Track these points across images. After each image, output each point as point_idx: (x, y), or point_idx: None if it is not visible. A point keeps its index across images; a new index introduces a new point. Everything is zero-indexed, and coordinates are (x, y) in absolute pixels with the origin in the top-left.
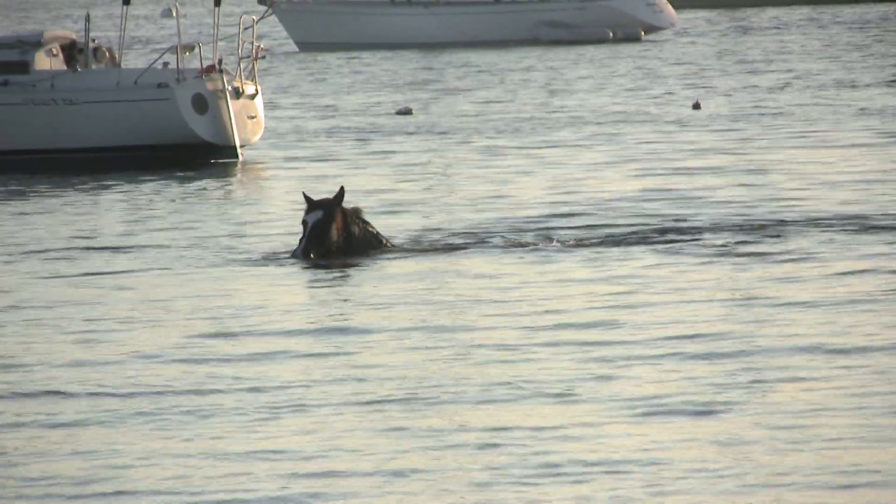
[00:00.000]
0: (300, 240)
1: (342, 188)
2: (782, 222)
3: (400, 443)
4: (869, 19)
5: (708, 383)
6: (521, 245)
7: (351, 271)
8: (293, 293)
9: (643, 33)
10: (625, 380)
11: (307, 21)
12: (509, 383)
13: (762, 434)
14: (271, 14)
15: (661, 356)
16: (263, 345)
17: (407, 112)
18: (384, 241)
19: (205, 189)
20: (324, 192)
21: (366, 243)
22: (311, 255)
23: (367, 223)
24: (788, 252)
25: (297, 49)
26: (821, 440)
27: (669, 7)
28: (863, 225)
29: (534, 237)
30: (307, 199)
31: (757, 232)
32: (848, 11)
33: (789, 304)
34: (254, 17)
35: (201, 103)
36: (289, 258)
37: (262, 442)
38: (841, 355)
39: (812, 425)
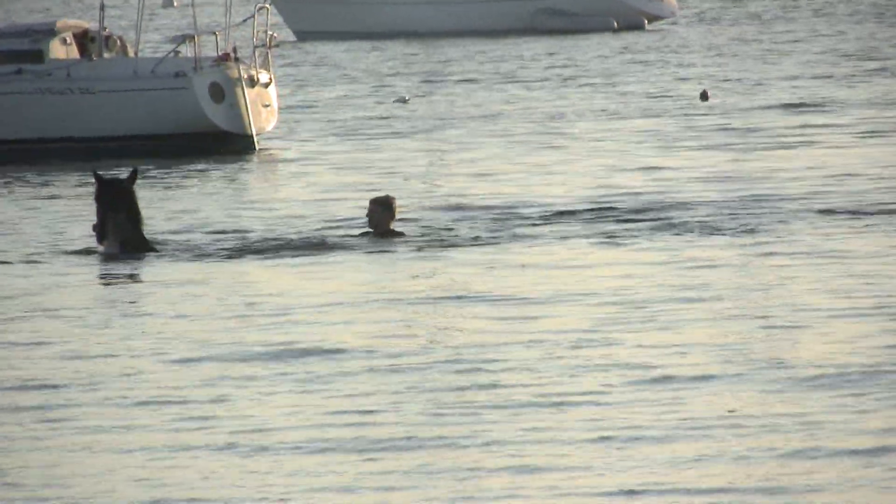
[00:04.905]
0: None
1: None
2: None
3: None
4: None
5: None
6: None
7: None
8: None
9: (647, 23)
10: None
11: (305, 10)
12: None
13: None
14: (270, 2)
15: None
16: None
17: (404, 101)
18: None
19: (230, 177)
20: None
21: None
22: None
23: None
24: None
25: (294, 38)
26: None
27: None
28: None
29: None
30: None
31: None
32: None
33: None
34: (267, 6)
35: (218, 92)
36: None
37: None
38: None
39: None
